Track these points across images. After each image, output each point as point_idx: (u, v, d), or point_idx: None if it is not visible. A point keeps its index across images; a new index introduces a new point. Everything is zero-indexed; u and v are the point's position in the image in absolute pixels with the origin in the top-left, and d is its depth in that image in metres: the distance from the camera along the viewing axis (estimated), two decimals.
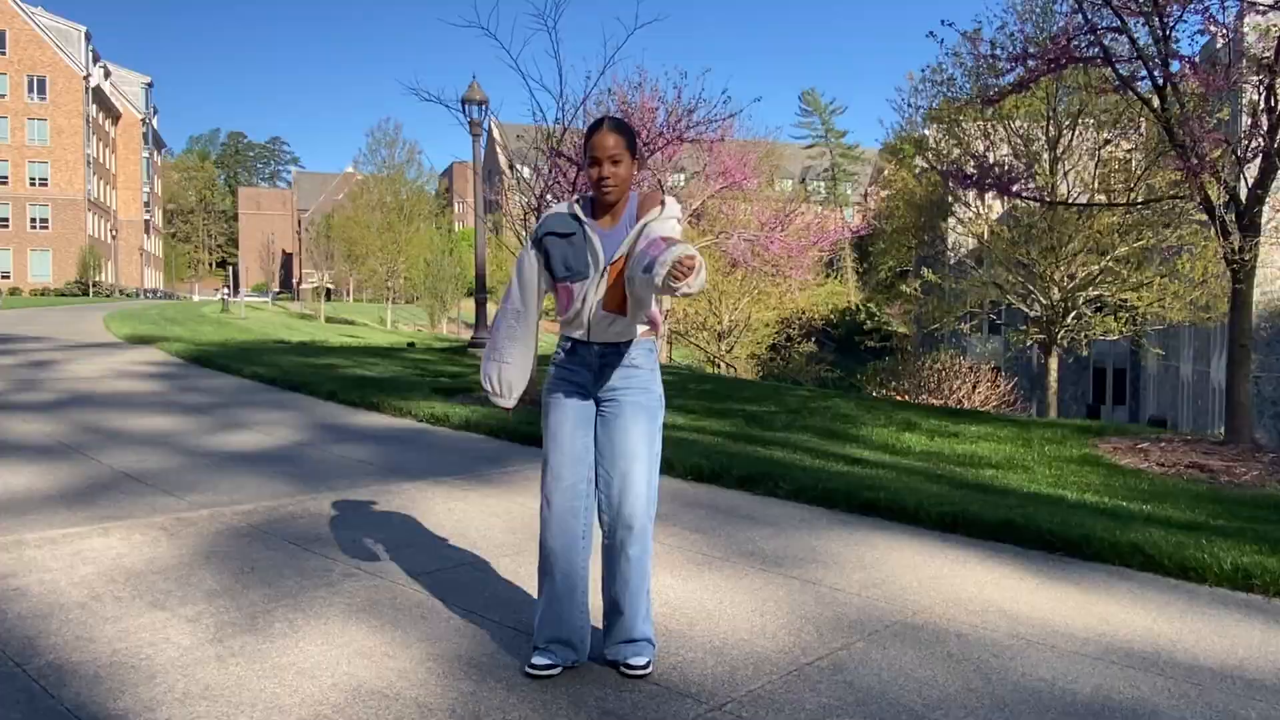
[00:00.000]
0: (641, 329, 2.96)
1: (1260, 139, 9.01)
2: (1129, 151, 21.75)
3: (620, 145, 2.87)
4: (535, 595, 3.08)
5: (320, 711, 2.71)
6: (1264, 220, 9.54)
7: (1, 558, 4.04)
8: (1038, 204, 18.31)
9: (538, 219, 10.21)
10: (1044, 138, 22.05)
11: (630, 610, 3.00)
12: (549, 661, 2.97)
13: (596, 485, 2.98)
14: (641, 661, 3.01)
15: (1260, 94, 8.98)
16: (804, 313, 37.37)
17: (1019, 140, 21.99)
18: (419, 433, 7.87)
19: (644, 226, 2.86)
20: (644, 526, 2.95)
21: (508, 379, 3.09)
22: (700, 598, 3.79)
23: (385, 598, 3.68)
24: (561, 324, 3.01)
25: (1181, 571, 4.28)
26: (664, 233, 2.79)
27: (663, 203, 2.93)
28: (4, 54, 70.19)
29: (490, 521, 4.93)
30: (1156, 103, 9.41)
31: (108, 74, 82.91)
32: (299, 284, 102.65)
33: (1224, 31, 9.27)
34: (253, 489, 5.52)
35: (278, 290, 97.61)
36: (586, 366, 2.97)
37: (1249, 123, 9.21)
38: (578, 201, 3.01)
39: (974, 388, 19.40)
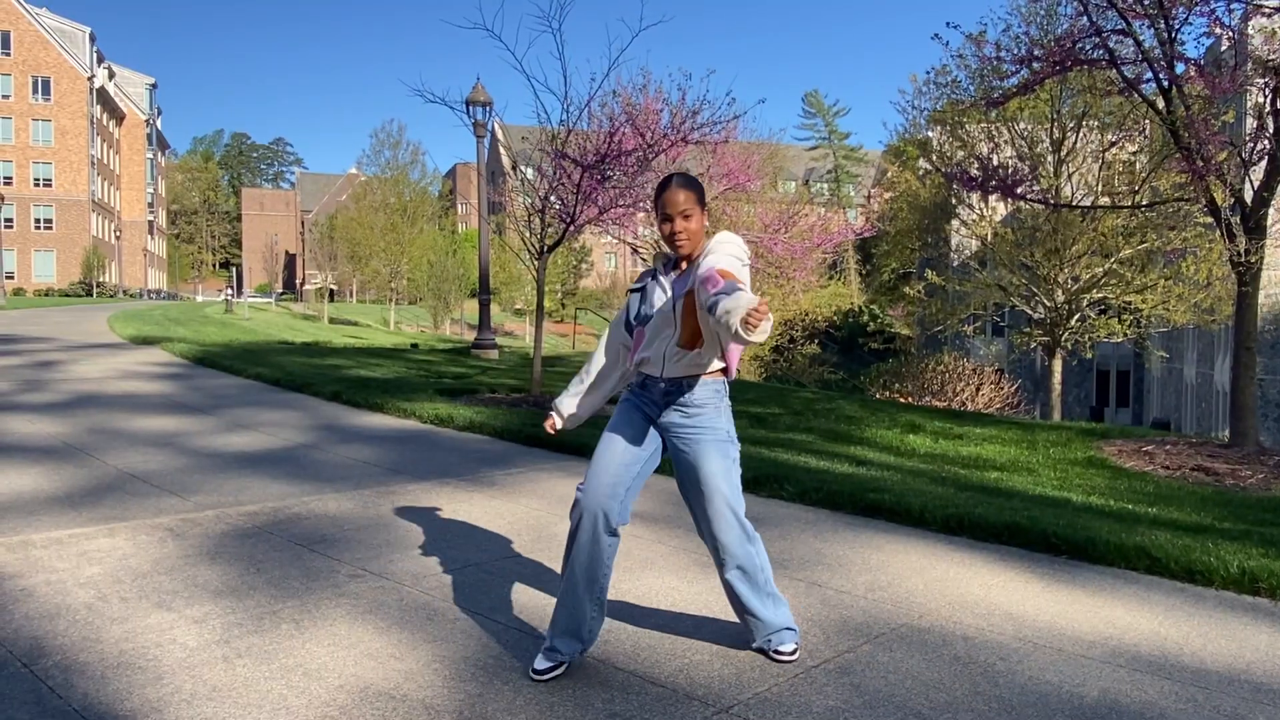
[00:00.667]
0: (713, 367, 3.05)
1: (1266, 141, 8.99)
2: (1134, 154, 21.73)
3: (691, 200, 3.00)
4: (539, 593, 3.10)
5: (327, 713, 2.71)
6: (1269, 223, 9.52)
7: (8, 558, 4.05)
8: (1042, 206, 18.28)
9: (541, 220, 10.23)
10: (1048, 140, 22.03)
11: (762, 613, 3.19)
12: (550, 664, 3.00)
13: (696, 518, 3.15)
14: (789, 648, 3.23)
15: (1266, 96, 8.97)
16: (807, 314, 37.35)
17: (1023, 142, 21.97)
18: (423, 434, 7.88)
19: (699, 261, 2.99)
20: (742, 550, 3.10)
21: (567, 408, 3.38)
22: (706, 600, 3.79)
23: (391, 599, 3.69)
24: (636, 365, 3.15)
25: (1188, 575, 4.27)
26: (720, 265, 2.82)
27: (719, 234, 3.04)
28: (8, 55, 70.36)
29: (495, 523, 4.93)
30: (1162, 105, 9.39)
31: (112, 75, 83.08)
32: (302, 285, 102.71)
33: (1230, 34, 9.26)
34: (258, 490, 5.52)
35: (281, 291, 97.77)
36: (653, 400, 3.10)
37: (1254, 125, 9.20)
38: (659, 258, 3.17)
39: (978, 390, 19.38)
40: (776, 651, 3.22)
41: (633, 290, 3.17)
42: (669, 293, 3.02)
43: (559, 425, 3.37)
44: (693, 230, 2.99)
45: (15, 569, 3.91)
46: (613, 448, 3.06)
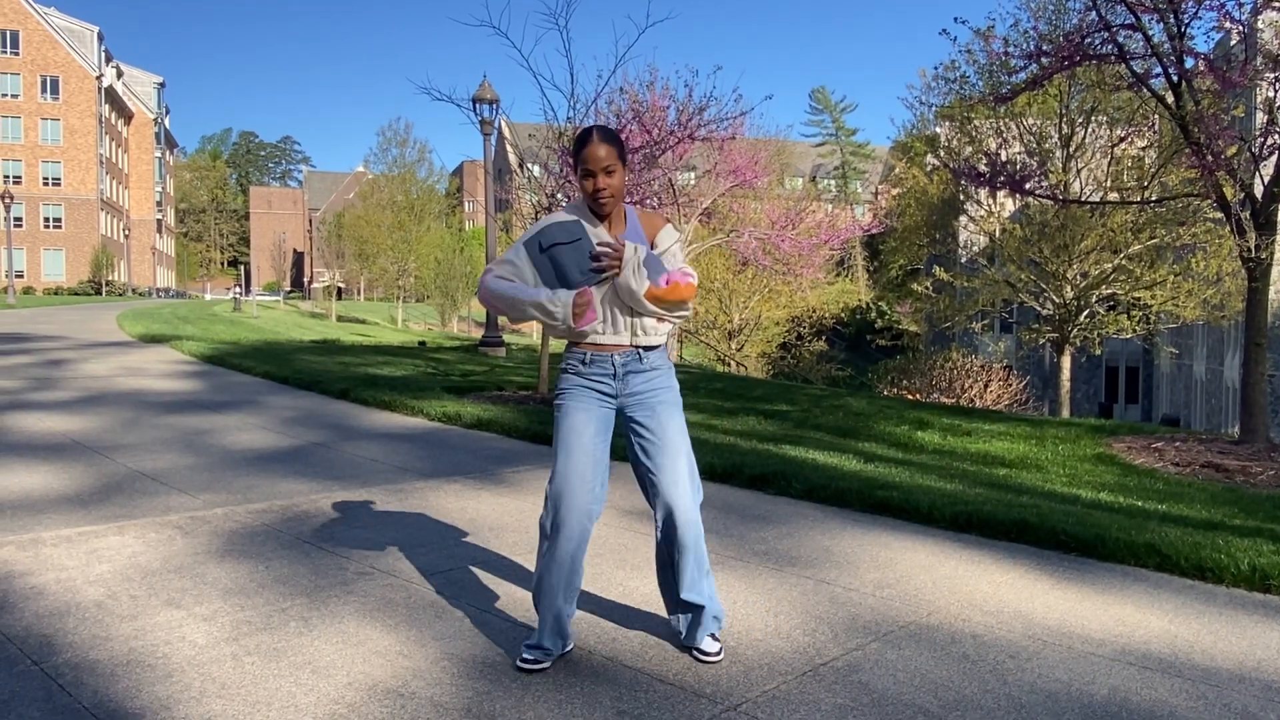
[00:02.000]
0: (664, 329, 3.04)
1: (1276, 136, 8.95)
2: (1143, 149, 21.64)
3: (613, 155, 2.92)
4: (535, 583, 3.09)
5: (336, 710, 2.72)
6: None
7: (19, 556, 4.07)
8: (1050, 202, 18.23)
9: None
10: (1057, 135, 21.95)
11: (702, 592, 3.10)
12: (535, 657, 3.03)
13: (646, 481, 3.05)
14: (715, 647, 3.16)
15: (1276, 91, 8.92)
16: (814, 311, 37.30)
17: (1032, 138, 21.90)
18: (431, 432, 7.89)
19: (666, 250, 3.04)
20: (695, 515, 3.03)
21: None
22: None
23: (399, 597, 3.69)
24: (581, 333, 3.02)
25: (1198, 572, 4.25)
26: (684, 267, 3.00)
27: (668, 221, 3.13)
28: (17, 54, 70.63)
29: (503, 521, 4.94)
30: (1171, 100, 9.35)
31: (120, 74, 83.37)
32: (310, 283, 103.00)
33: (1239, 28, 9.21)
34: (266, 488, 5.54)
35: (289, 289, 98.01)
36: (610, 375, 3.01)
37: (1264, 120, 9.15)
38: (577, 208, 3.05)
39: (986, 386, 19.34)
40: (702, 651, 3.13)
41: (565, 242, 2.95)
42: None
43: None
44: (615, 186, 2.93)
45: (25, 566, 3.92)
46: (581, 449, 2.96)
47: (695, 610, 3.13)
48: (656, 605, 3.66)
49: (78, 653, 3.07)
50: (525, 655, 3.04)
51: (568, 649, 3.15)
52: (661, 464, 2.99)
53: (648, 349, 3.04)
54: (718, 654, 3.15)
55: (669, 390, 3.06)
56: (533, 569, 4.06)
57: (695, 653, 3.15)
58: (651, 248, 3.04)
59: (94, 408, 8.48)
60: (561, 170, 9.94)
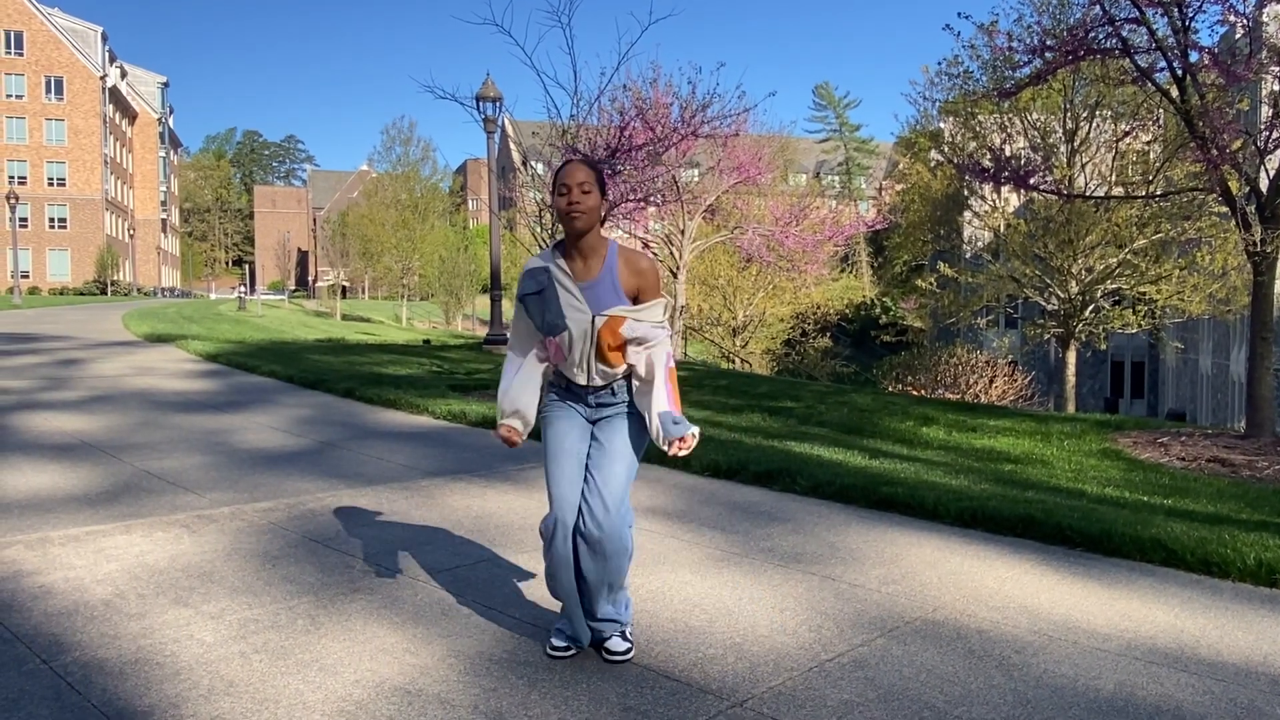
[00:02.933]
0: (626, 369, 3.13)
1: None
2: (1147, 143, 21.60)
3: (590, 177, 2.98)
4: (555, 590, 3.13)
5: (344, 708, 2.73)
6: None
7: (27, 555, 4.09)
8: (1055, 197, 18.20)
9: (552, 216, 10.24)
10: (1061, 130, 21.91)
11: (607, 586, 3.06)
12: (564, 644, 3.13)
13: (585, 485, 3.08)
14: (623, 647, 3.15)
15: None
16: (819, 307, 37.26)
17: (1036, 133, 21.86)
18: (436, 430, 7.90)
19: (645, 309, 3.03)
20: (615, 518, 2.99)
21: (520, 405, 3.19)
22: (720, 594, 3.79)
23: (406, 595, 3.70)
24: (557, 364, 3.15)
25: (1204, 567, 4.25)
26: (670, 366, 3.09)
27: (658, 288, 3.08)
28: (21, 55, 70.74)
29: (508, 519, 4.95)
30: (1176, 94, 9.33)
31: (124, 74, 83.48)
32: (315, 282, 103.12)
33: (1244, 21, 9.19)
34: (273, 487, 5.55)
35: (294, 288, 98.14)
36: (585, 404, 3.14)
37: (1269, 113, 9.13)
38: (555, 249, 3.09)
39: (991, 382, 19.31)
40: (611, 652, 3.13)
41: (533, 293, 3.04)
42: (584, 307, 2.98)
43: (523, 435, 3.19)
44: (589, 206, 2.95)
45: (34, 566, 3.94)
46: (565, 451, 3.08)
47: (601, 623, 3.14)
48: (661, 602, 3.67)
49: (86, 651, 3.08)
50: (555, 642, 3.14)
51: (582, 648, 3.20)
52: (595, 464, 3.06)
53: (618, 386, 3.12)
54: (625, 653, 3.13)
55: (630, 411, 3.13)
56: (539, 566, 4.08)
57: (604, 653, 3.15)
58: (634, 302, 3.01)
59: (100, 407, 8.51)
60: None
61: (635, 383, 3.11)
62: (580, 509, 3.03)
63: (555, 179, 3.02)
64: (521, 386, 3.17)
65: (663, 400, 3.04)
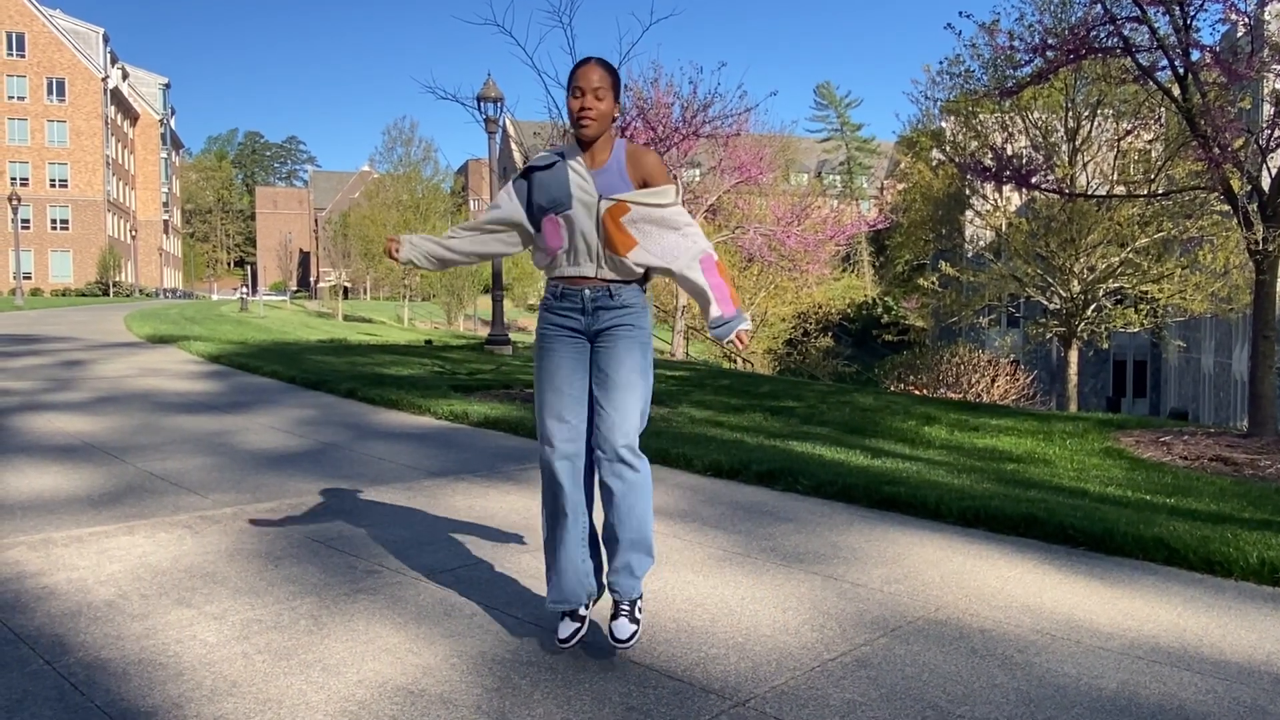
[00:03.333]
0: (637, 269, 3.01)
1: None
2: (1149, 142, 21.58)
3: (605, 81, 2.92)
4: (551, 566, 3.12)
5: (347, 708, 2.73)
6: None
7: (30, 556, 4.09)
8: (1057, 196, 18.20)
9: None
10: (1063, 129, 21.91)
11: (627, 540, 3.01)
12: (569, 633, 3.08)
13: (592, 418, 3.01)
14: (628, 633, 3.03)
15: None
16: (820, 307, 37.29)
17: (1037, 132, 21.86)
18: (439, 430, 7.91)
19: (664, 211, 2.96)
20: (631, 456, 2.95)
21: (423, 246, 3.17)
22: (722, 594, 3.79)
23: (408, 594, 3.70)
24: (552, 266, 3.04)
25: (1207, 566, 4.24)
26: (714, 258, 3.01)
27: (665, 175, 3.00)
28: (23, 57, 70.82)
29: (511, 518, 4.95)
30: (1177, 92, 9.33)
31: (126, 75, 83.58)
32: (316, 282, 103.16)
33: (1245, 20, 9.18)
34: (275, 487, 5.55)
35: (295, 289, 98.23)
36: (580, 310, 3.00)
37: (1271, 112, 9.13)
38: (549, 152, 3.08)
39: (993, 381, 19.30)
40: (615, 638, 3.01)
41: (537, 169, 2.98)
42: (591, 188, 2.93)
43: (403, 253, 3.14)
44: (601, 111, 2.91)
45: (37, 567, 3.95)
46: (554, 389, 2.99)
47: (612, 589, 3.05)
48: (664, 599, 3.67)
49: (90, 652, 3.08)
50: (561, 632, 3.10)
51: (596, 599, 3.16)
52: (603, 400, 2.96)
53: (619, 284, 3.01)
54: (629, 640, 3.01)
55: (633, 328, 3.00)
56: (542, 565, 4.08)
57: (612, 635, 3.02)
58: (641, 185, 2.97)
59: (103, 408, 8.52)
60: None
61: (682, 287, 3.02)
62: (597, 444, 2.94)
63: (571, 77, 2.95)
64: (462, 237, 3.14)
65: (711, 306, 2.95)
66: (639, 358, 2.98)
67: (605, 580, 3.12)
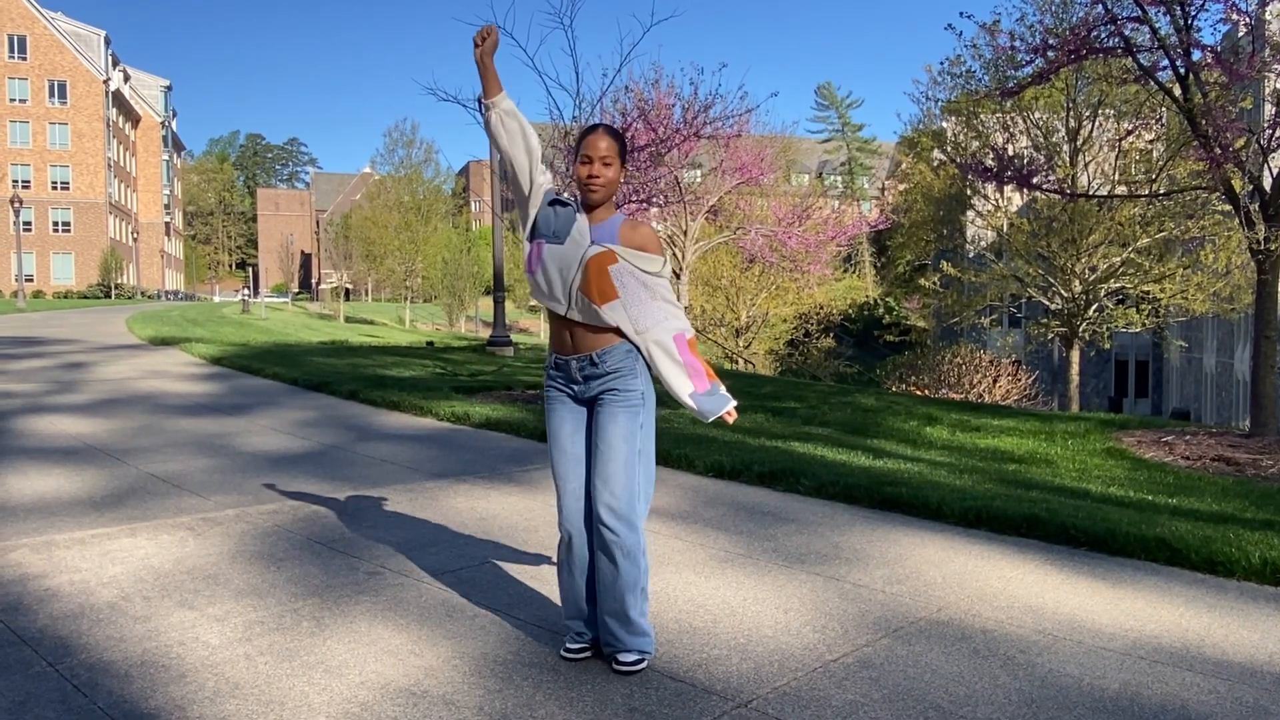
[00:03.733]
0: (612, 327, 3.04)
1: None
2: (1150, 142, 21.57)
3: (613, 150, 3.03)
4: (557, 589, 3.17)
5: (349, 709, 2.73)
6: None
7: (33, 558, 4.10)
8: (1058, 196, 18.19)
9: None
10: (1064, 129, 21.91)
11: (606, 608, 3.03)
12: (580, 645, 3.13)
13: (586, 484, 3.10)
14: (631, 658, 3.04)
15: None
16: (822, 308, 37.24)
17: (1038, 132, 21.85)
18: (441, 432, 7.91)
19: (650, 276, 3.03)
20: (626, 524, 2.98)
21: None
22: (724, 595, 3.79)
23: (410, 596, 3.71)
24: (535, 292, 3.12)
25: (1209, 566, 4.24)
26: (689, 336, 3.08)
27: (658, 247, 3.09)
28: (25, 59, 70.86)
29: (513, 520, 4.95)
30: (1178, 92, 9.33)
31: (127, 78, 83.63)
32: (318, 284, 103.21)
33: (1246, 20, 9.18)
34: (277, 489, 5.56)
35: (297, 291, 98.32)
36: (570, 380, 3.11)
37: (1273, 111, 9.12)
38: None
39: (994, 382, 19.30)
40: (618, 663, 3.03)
41: (555, 202, 3.09)
42: (586, 236, 3.01)
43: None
44: (609, 178, 3.02)
45: (40, 569, 3.95)
46: (560, 449, 3.11)
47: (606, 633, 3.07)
48: (666, 603, 3.67)
49: (93, 654, 3.09)
50: (569, 644, 3.15)
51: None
52: (591, 465, 3.06)
53: (604, 351, 3.05)
54: (634, 663, 3.02)
55: (619, 392, 3.04)
56: (543, 567, 4.08)
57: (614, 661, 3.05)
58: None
59: (105, 411, 8.52)
60: (567, 169, 9.94)
61: (652, 361, 3.05)
62: (593, 512, 3.04)
63: (579, 143, 3.05)
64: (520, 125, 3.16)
65: (684, 381, 3.03)
66: (623, 423, 3.02)
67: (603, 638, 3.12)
